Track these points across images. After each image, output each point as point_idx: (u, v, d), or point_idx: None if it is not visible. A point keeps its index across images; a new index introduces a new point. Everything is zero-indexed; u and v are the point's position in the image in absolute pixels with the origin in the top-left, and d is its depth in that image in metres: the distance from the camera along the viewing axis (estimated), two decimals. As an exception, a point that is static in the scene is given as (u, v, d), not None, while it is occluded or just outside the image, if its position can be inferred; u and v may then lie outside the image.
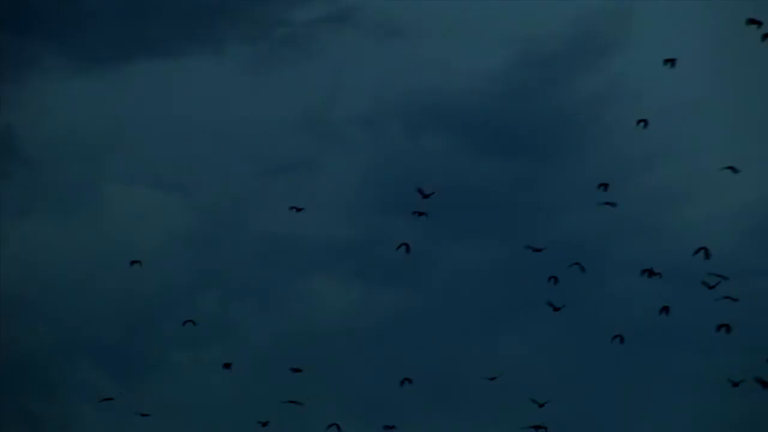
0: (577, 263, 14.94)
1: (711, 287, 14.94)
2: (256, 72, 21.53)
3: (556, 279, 15.21)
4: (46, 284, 18.16)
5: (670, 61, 14.83)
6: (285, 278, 18.87)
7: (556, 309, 14.63)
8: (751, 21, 13.17)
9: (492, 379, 15.21)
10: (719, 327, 13.50)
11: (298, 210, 15.80)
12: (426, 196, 15.15)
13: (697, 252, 13.50)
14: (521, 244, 17.02)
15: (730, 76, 19.34)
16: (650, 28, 20.21)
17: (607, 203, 14.95)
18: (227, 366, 15.61)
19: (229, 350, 19.35)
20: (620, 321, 16.19)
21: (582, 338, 17.05)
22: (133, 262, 15.45)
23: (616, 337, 14.12)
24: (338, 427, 14.64)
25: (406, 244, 14.49)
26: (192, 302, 20.39)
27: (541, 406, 14.36)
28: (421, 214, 15.02)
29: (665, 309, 15.11)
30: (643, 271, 15.15)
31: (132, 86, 19.89)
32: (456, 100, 20.18)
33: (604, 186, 14.90)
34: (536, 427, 13.92)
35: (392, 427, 16.20)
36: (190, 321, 16.08)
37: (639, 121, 15.09)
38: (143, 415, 15.82)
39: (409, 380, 15.34)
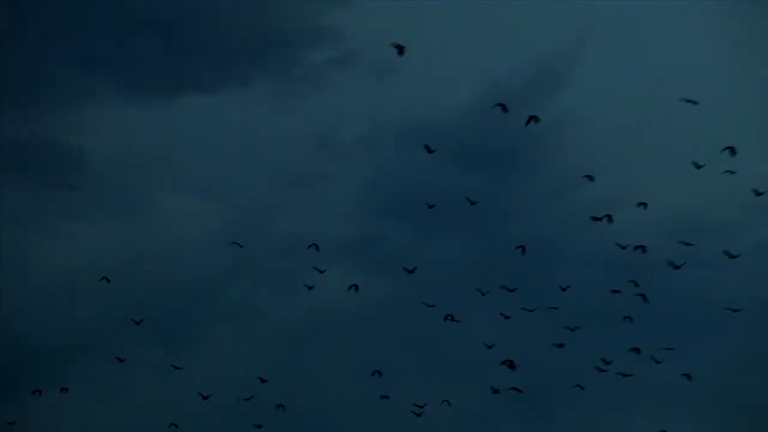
0: (521, 246, 19.00)
1: (676, 267, 18.03)
2: (277, 103, 26.03)
3: (523, 249, 19.14)
4: (108, 273, 22.47)
5: (691, 101, 18.38)
6: (299, 268, 23.07)
7: (510, 290, 18.90)
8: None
9: (490, 347, 19.25)
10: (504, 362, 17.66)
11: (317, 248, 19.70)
12: (431, 151, 19.20)
13: (601, 218, 17.60)
14: (491, 241, 21.32)
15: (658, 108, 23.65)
16: (594, 67, 24.64)
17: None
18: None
19: (254, 325, 23.73)
20: (569, 304, 20.57)
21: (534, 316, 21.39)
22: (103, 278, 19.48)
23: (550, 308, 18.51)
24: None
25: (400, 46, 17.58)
26: (225, 288, 24.80)
27: (511, 366, 18.31)
28: (430, 151, 18.83)
29: (616, 291, 19.32)
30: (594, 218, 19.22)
31: (178, 114, 24.24)
32: (437, 125, 24.48)
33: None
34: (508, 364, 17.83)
35: (386, 397, 20.32)
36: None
37: (586, 176, 18.61)
38: (176, 368, 19.90)
39: (379, 372, 19.43)
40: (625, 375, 18.94)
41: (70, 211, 24.66)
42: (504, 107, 16.83)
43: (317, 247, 18.29)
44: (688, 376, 18.29)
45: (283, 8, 26.32)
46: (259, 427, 19.04)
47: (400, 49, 16.32)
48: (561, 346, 19.44)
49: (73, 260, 23.54)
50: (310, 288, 19.04)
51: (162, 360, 21.46)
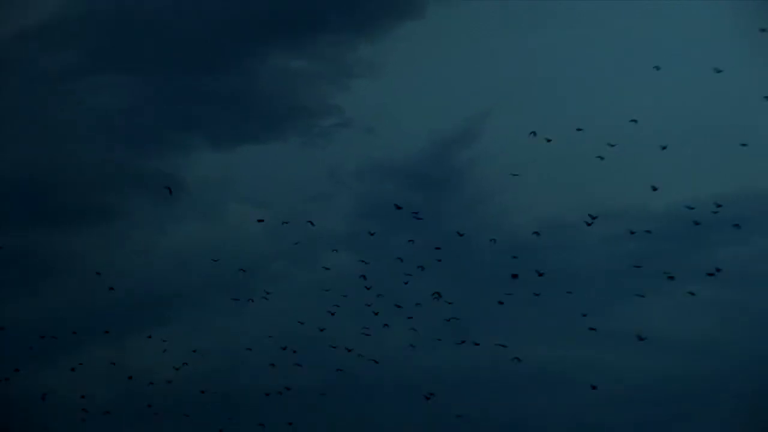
0: (460, 233, 27.54)
1: (589, 224, 25.46)
2: (302, 150, 41.45)
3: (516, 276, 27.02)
4: (191, 259, 37.18)
5: (532, 133, 26.92)
6: (314, 252, 35.88)
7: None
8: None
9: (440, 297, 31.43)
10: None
11: (312, 224, 31.07)
12: (399, 208, 28.46)
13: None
14: (430, 234, 35.57)
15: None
16: (499, 124, 39.46)
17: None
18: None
19: (285, 292, 37.98)
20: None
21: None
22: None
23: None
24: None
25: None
26: (268, 266, 39.52)
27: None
28: (399, 207, 27.32)
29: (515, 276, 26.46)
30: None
31: (244, 156, 40.22)
32: (400, 164, 39.67)
33: None
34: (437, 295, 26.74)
35: (368, 334, 28.59)
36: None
37: (513, 275, 26.41)
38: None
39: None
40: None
41: (175, 215, 39.93)
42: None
43: (312, 223, 29.10)
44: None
45: (307, 92, 42.54)
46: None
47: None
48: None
49: (179, 246, 38.59)
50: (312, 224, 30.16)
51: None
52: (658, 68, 27.85)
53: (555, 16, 40.88)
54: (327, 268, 30.84)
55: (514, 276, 26.41)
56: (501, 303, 27.88)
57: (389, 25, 42.83)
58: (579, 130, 28.60)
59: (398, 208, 28.59)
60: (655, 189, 26.62)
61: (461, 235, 28.77)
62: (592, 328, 27.59)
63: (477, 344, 29.97)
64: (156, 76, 43.67)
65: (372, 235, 31.69)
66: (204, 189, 40.52)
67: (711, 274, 25.71)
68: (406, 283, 29.38)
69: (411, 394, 31.70)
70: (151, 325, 35.02)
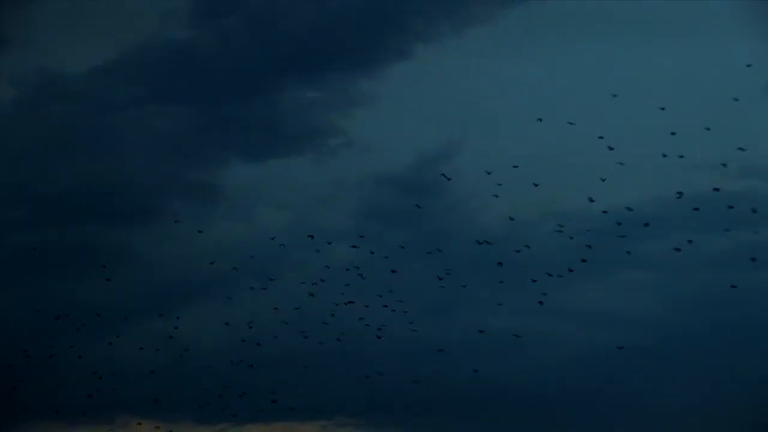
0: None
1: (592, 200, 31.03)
2: (317, 164, 51.91)
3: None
4: (227, 250, 46.55)
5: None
6: (324, 244, 44.45)
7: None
8: None
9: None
10: None
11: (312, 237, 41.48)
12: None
13: None
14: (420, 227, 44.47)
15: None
16: (475, 141, 48.67)
17: None
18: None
19: (302, 275, 46.32)
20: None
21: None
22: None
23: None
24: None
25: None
26: (288, 255, 48.38)
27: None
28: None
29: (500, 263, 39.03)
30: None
31: (274, 169, 50.64)
32: (393, 175, 49.09)
33: None
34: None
35: (351, 302, 35.26)
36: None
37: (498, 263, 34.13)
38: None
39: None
40: None
41: (214, 216, 49.45)
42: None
43: (312, 237, 37.53)
44: None
45: (318, 117, 52.49)
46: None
47: None
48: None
49: (218, 240, 47.93)
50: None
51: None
52: (615, 95, 34.98)
53: (518, 57, 50.74)
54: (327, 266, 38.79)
55: (500, 264, 33.30)
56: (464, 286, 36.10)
57: (385, 64, 53.14)
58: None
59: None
60: (592, 200, 32.83)
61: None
62: (540, 302, 34.24)
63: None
64: (200, 104, 54.30)
65: (362, 237, 38.73)
66: (238, 194, 50.55)
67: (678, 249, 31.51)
68: (393, 271, 36.28)
69: (403, 355, 40.73)
70: (192, 304, 44.33)
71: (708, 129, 34.26)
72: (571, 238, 34.57)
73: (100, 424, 43.73)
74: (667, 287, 45.18)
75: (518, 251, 34.49)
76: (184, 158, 54.55)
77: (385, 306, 36.32)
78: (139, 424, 41.11)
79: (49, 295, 45.37)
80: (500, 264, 33.46)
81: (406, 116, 53.34)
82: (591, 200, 32.34)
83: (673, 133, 33.38)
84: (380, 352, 41.83)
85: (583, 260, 32.46)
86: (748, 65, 30.20)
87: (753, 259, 32.09)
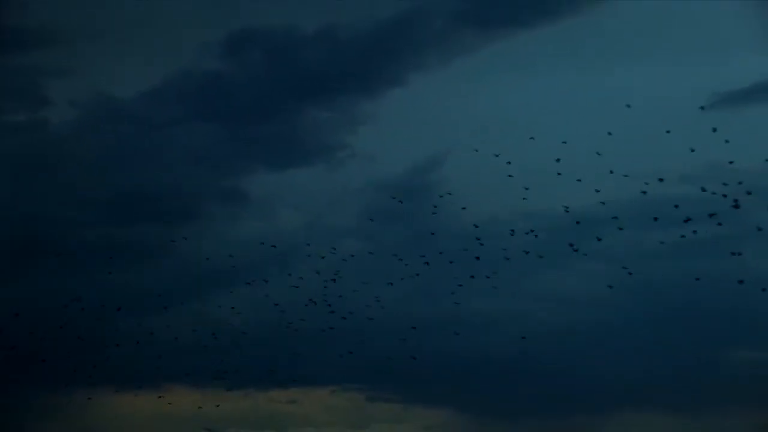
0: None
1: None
2: (329, 172, 60.87)
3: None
4: (252, 246, 56.16)
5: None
6: (333, 239, 54.12)
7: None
8: None
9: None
10: None
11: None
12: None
13: None
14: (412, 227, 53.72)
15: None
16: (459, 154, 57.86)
17: None
18: None
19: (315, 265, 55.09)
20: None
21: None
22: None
23: None
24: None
25: None
26: (304, 249, 57.58)
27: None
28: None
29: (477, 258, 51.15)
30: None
31: (287, 177, 59.77)
32: (390, 182, 57.90)
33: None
34: None
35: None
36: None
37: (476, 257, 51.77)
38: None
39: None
40: None
41: (244, 216, 58.94)
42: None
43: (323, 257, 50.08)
44: None
45: (328, 134, 61.61)
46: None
47: None
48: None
49: (245, 237, 57.24)
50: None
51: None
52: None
53: (493, 83, 60.58)
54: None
55: (477, 258, 40.85)
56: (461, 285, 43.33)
57: (383, 89, 63.09)
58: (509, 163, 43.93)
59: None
60: (567, 210, 41.22)
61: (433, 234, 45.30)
62: (494, 287, 42.46)
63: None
64: (230, 123, 64.06)
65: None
66: (262, 198, 60.05)
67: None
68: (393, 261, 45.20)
69: (396, 331, 48.34)
70: (223, 289, 52.72)
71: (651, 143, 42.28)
72: (535, 235, 43.29)
73: (148, 389, 51.90)
74: (614, 275, 52.33)
75: (483, 245, 42.40)
76: (217, 168, 64.80)
77: (390, 283, 44.58)
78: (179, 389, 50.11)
79: (109, 283, 53.96)
80: (477, 258, 41.82)
81: (401, 133, 63.73)
82: (567, 210, 41.58)
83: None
84: (379, 330, 50.71)
85: (540, 256, 41.63)
86: (701, 107, 38.32)
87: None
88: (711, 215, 38.55)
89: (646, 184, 40.82)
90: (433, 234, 45.58)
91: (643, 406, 56.42)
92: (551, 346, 51.84)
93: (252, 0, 65.40)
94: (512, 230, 42.29)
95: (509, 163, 43.17)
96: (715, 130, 43.75)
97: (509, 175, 44.04)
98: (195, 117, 65.22)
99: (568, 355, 52.31)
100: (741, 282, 43.01)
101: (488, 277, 43.78)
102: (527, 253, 43.99)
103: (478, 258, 41.65)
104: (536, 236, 43.11)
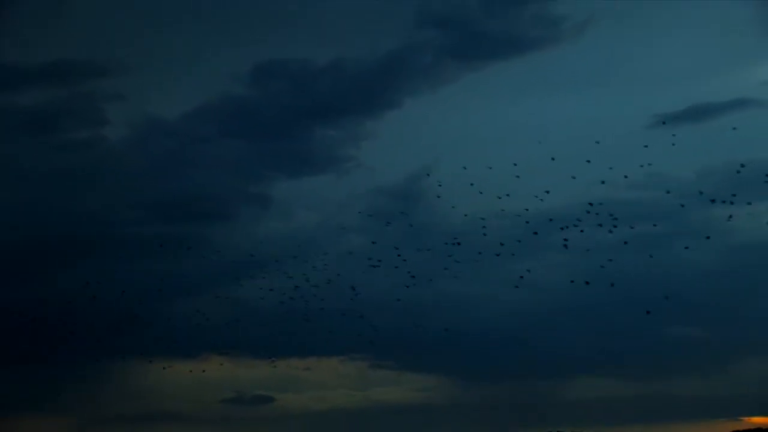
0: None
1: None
2: (335, 180, 72.45)
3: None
4: (275, 241, 67.76)
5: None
6: (341, 236, 66.20)
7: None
8: None
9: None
10: None
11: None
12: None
13: None
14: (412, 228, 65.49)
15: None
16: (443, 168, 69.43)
17: None
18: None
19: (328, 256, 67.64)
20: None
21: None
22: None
23: None
24: None
25: None
26: (317, 243, 69.06)
27: None
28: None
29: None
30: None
31: (303, 184, 71.56)
32: (389, 187, 69.95)
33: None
34: None
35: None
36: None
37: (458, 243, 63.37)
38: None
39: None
40: None
41: (267, 216, 70.67)
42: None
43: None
44: None
45: (336, 148, 72.87)
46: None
47: None
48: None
49: (267, 234, 69.07)
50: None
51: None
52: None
53: (474, 107, 72.72)
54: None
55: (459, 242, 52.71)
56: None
57: (382, 111, 75.62)
58: (489, 167, 54.81)
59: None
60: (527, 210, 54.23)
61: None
62: (475, 273, 54.72)
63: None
64: (256, 139, 75.67)
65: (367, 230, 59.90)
66: (281, 202, 71.49)
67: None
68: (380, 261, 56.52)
69: (393, 310, 60.34)
70: (251, 277, 63.59)
71: (588, 161, 53.19)
72: (505, 235, 54.43)
73: (187, 358, 62.60)
74: (572, 265, 62.51)
75: (461, 240, 52.69)
76: (245, 176, 76.69)
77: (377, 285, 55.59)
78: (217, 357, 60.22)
79: (154, 270, 64.66)
80: (462, 242, 52.59)
81: (397, 147, 75.67)
82: (526, 210, 52.25)
83: (588, 161, 51.85)
84: (379, 309, 61.41)
85: (497, 254, 51.77)
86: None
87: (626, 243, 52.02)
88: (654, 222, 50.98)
89: (594, 187, 51.93)
90: (424, 229, 56.68)
91: (597, 372, 69.30)
92: (522, 323, 63.73)
93: (274, 38, 78.84)
94: (484, 227, 52.93)
95: (490, 168, 54.22)
96: (646, 146, 55.37)
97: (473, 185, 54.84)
98: (227, 134, 78.35)
99: (535, 330, 63.75)
100: (691, 268, 53.24)
101: (467, 265, 54.08)
102: (502, 244, 53.48)
103: (467, 242, 52.41)
104: (506, 237, 53.12)
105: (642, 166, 53.25)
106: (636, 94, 78.44)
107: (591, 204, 52.41)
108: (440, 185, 67.43)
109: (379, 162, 72.75)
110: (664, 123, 61.29)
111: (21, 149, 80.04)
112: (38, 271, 66.77)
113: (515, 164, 53.60)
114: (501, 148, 72.49)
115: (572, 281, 53.40)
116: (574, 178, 52.89)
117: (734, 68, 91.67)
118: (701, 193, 50.94)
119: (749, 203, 48.29)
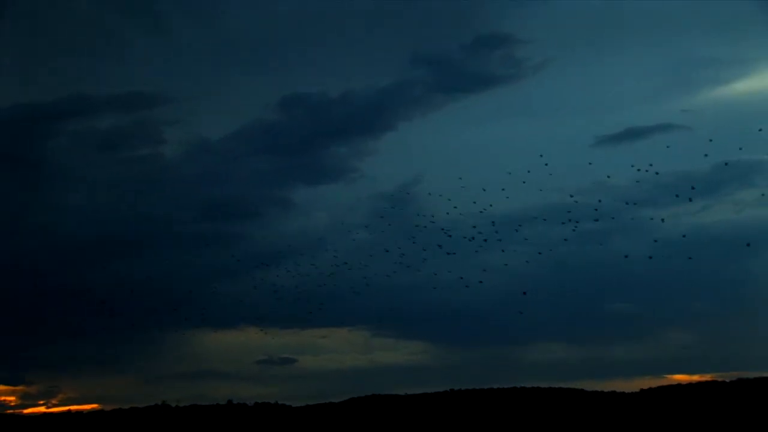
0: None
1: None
2: (344, 188, 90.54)
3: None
4: (297, 237, 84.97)
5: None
6: (349, 233, 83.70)
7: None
8: None
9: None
10: None
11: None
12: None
13: None
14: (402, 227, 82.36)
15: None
16: (431, 178, 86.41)
17: None
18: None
19: (338, 249, 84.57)
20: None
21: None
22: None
23: None
24: None
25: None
26: (330, 237, 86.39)
27: None
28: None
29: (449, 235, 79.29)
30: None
31: (318, 191, 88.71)
32: (387, 193, 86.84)
33: None
34: None
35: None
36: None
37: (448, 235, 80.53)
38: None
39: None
40: None
41: (290, 217, 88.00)
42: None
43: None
44: None
45: (345, 162, 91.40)
46: None
47: None
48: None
49: (291, 231, 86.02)
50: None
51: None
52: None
53: (459, 129, 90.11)
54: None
55: (449, 235, 70.91)
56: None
57: (381, 132, 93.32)
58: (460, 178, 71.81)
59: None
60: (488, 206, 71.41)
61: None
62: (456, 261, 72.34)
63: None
64: (282, 154, 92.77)
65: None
66: (301, 205, 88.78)
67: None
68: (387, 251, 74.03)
69: (392, 290, 77.58)
70: (277, 265, 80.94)
71: (550, 174, 70.59)
72: (479, 230, 71.76)
73: (229, 328, 79.69)
74: (540, 256, 79.73)
75: (445, 234, 69.87)
76: (273, 185, 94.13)
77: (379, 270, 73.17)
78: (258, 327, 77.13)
79: (203, 259, 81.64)
80: (449, 235, 69.73)
81: (393, 161, 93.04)
82: (487, 207, 69.70)
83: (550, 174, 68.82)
84: (381, 289, 78.40)
85: (479, 244, 69.19)
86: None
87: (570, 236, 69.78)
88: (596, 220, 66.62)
89: (549, 194, 68.87)
90: (416, 227, 73.77)
91: (551, 339, 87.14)
92: (492, 300, 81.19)
93: (297, 75, 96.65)
94: (474, 226, 69.75)
95: (460, 178, 70.36)
96: (590, 163, 72.43)
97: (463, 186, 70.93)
98: (259, 151, 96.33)
99: (503, 305, 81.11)
100: (626, 257, 70.43)
101: (454, 255, 71.15)
102: (486, 240, 70.21)
103: (450, 236, 68.90)
104: (480, 232, 70.11)
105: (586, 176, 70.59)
106: (582, 119, 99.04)
107: (547, 207, 70.00)
108: (429, 194, 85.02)
109: (379, 173, 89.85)
110: (602, 143, 79.42)
111: (97, 163, 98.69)
112: (111, 260, 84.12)
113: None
114: (475, 165, 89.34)
115: (527, 261, 70.29)
116: (524, 182, 69.96)
117: (659, 99, 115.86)
118: (634, 203, 69.50)
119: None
